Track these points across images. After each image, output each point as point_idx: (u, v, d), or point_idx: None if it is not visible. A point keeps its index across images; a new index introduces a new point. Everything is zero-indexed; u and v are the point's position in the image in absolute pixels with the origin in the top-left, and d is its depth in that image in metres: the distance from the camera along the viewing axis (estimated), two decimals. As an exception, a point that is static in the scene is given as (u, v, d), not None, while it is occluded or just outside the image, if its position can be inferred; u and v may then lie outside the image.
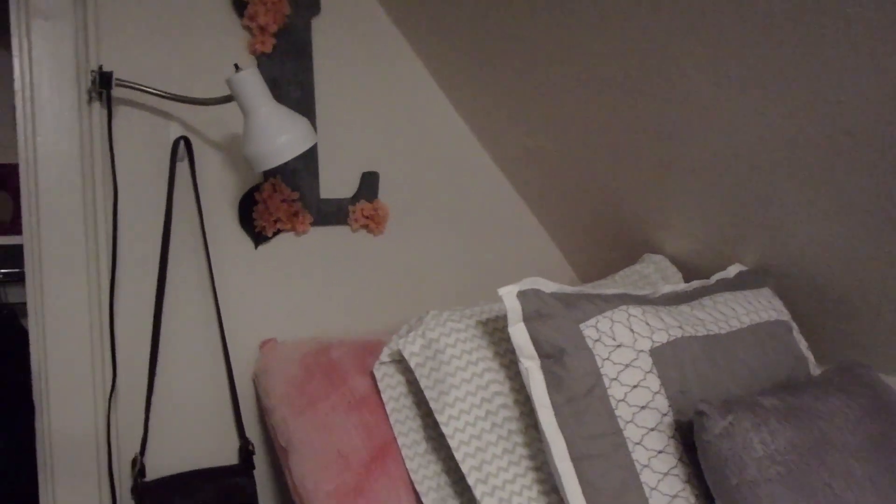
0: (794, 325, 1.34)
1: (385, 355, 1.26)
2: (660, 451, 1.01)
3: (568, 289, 1.13)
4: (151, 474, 1.37)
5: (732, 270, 1.45)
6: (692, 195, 1.45)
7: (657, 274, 1.56)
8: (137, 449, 1.37)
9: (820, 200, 1.21)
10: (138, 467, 1.35)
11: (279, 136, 1.14)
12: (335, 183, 1.57)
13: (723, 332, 1.16)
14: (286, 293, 1.51)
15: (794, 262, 1.38)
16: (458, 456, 1.12)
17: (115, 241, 1.32)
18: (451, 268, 1.75)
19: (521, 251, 1.86)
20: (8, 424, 1.51)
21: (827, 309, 1.40)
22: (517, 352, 1.05)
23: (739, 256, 1.50)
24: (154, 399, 1.38)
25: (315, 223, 1.52)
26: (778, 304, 1.35)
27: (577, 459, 1.01)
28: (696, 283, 1.36)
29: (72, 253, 1.30)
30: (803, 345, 1.32)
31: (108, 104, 1.30)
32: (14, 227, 1.58)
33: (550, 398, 1.03)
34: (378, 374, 1.27)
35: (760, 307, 1.29)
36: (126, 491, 1.37)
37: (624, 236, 1.73)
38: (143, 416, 1.37)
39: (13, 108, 1.67)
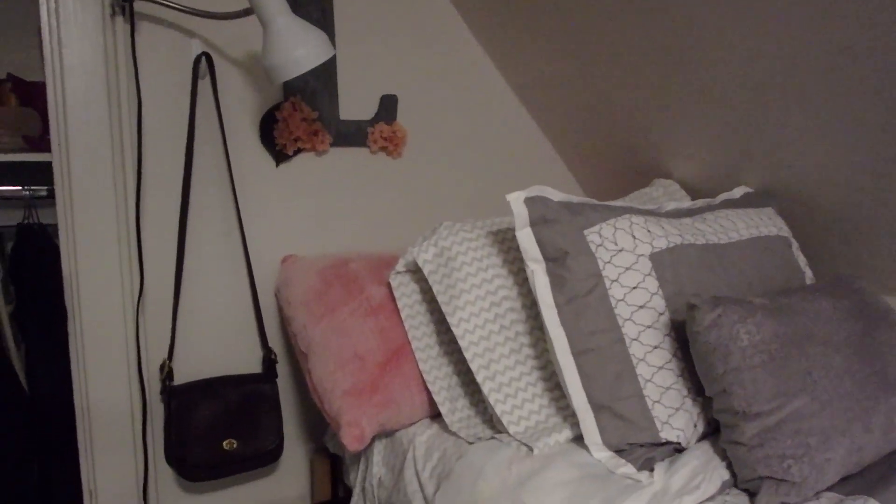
0: (794, 242, 1.44)
1: (401, 265, 1.38)
2: (655, 347, 1.13)
3: (574, 198, 1.23)
4: (179, 379, 1.51)
5: (738, 192, 1.54)
6: (699, 119, 1.53)
7: (666, 197, 1.66)
8: (165, 355, 1.51)
9: (819, 120, 1.29)
10: (166, 371, 1.49)
11: (297, 48, 1.23)
12: (354, 105, 1.66)
13: (721, 242, 1.27)
14: (306, 211, 1.63)
15: (795, 183, 1.47)
16: (467, 356, 1.24)
17: (140, 155, 1.43)
18: (466, 190, 1.86)
19: (536, 176, 1.96)
20: (45, 336, 1.66)
21: (827, 229, 1.49)
22: (523, 255, 1.16)
23: (745, 179, 1.59)
24: (180, 308, 1.52)
25: (334, 144, 1.63)
26: (779, 222, 1.45)
27: (577, 354, 1.13)
28: (700, 202, 1.46)
29: (99, 167, 1.40)
30: (802, 261, 1.42)
31: (131, 18, 1.39)
32: (42, 143, 1.68)
33: (553, 298, 1.14)
34: (394, 283, 1.39)
35: (761, 223, 1.39)
36: (155, 393, 1.51)
37: (635, 162, 1.82)
38: (170, 324, 1.50)
39: (37, 30, 1.76)
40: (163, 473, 1.52)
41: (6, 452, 1.56)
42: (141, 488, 1.47)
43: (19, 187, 1.75)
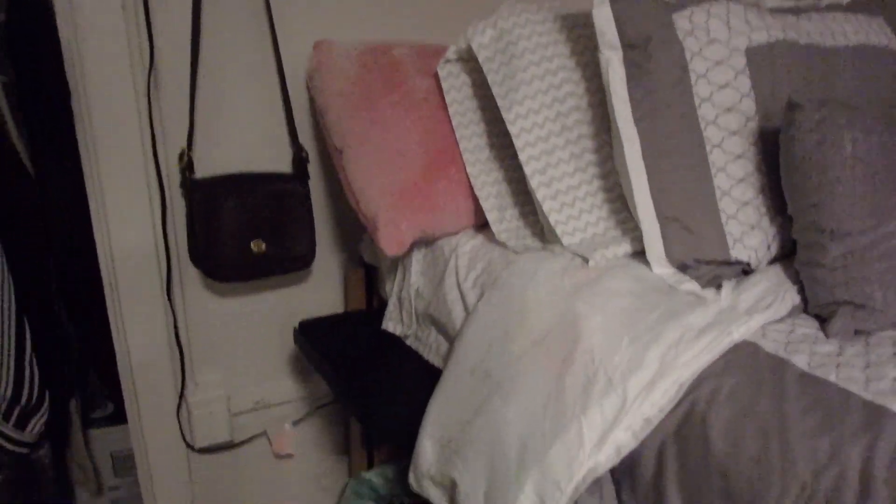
0: (905, 57, 1.31)
1: (452, 52, 1.28)
2: (738, 156, 1.05)
3: (662, -24, 1.10)
4: (200, 174, 1.45)
5: (845, -2, 1.39)
6: None
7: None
8: (184, 143, 1.43)
9: None
10: (186, 161, 1.42)
11: None
12: None
13: (827, 44, 1.15)
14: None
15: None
16: (522, 157, 1.17)
17: None
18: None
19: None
20: (49, 115, 1.59)
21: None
22: (598, 38, 1.05)
23: (855, -15, 1.43)
24: (199, 92, 1.41)
25: None
26: (890, 33, 1.31)
27: (648, 156, 1.05)
28: (804, 1, 1.32)
29: None
30: (911, 79, 1.30)
31: None
32: None
33: (629, 91, 1.05)
34: (442, 73, 1.29)
35: (871, 31, 1.26)
36: (176, 187, 1.47)
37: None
38: (188, 107, 1.41)
39: None
40: (188, 275, 1.52)
41: (18, 239, 1.55)
42: (164, 287, 1.47)
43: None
